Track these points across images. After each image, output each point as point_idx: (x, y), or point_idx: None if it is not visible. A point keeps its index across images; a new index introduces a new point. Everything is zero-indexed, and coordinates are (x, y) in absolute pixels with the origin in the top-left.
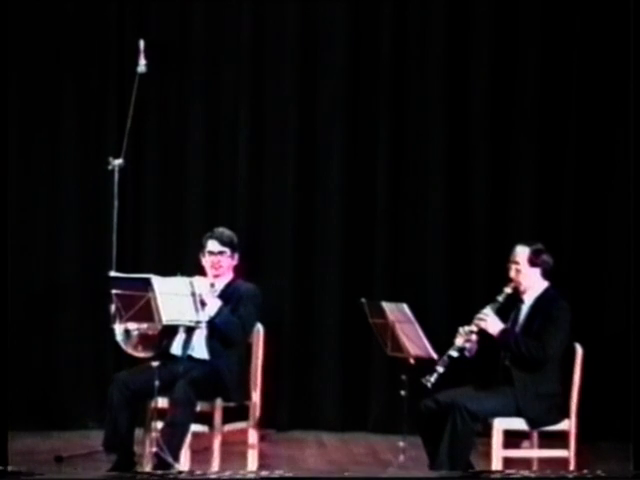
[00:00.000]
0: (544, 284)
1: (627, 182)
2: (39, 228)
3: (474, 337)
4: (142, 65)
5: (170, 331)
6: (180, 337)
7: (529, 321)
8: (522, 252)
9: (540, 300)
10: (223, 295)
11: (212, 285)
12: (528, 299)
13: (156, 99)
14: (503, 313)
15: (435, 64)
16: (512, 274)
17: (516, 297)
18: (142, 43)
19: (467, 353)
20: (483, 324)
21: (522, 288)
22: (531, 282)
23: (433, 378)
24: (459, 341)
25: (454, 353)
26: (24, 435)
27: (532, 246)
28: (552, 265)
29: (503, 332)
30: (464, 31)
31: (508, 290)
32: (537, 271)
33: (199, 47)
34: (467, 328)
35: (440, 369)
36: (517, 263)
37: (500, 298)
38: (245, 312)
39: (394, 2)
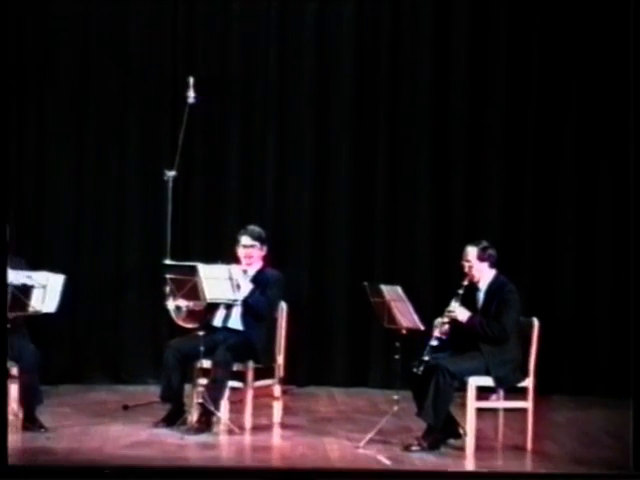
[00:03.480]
0: (492, 272)
1: (570, 189)
2: (109, 225)
3: (447, 327)
4: (191, 97)
5: (212, 307)
6: (220, 312)
7: (486, 304)
8: (472, 251)
9: (492, 286)
10: (254, 280)
11: (245, 272)
12: (482, 286)
13: (202, 124)
14: (464, 300)
15: (423, 94)
16: (466, 270)
17: (472, 286)
18: (191, 79)
19: (444, 337)
20: (453, 315)
21: (475, 279)
22: (482, 273)
23: (422, 366)
24: (436, 332)
25: (434, 342)
26: (98, 389)
27: (479, 245)
28: (496, 257)
29: (470, 319)
30: (446, 64)
31: (465, 283)
32: (485, 264)
33: (236, 82)
34: (440, 320)
35: (426, 358)
36: (469, 261)
37: (460, 291)
38: (272, 294)
39: (390, 37)
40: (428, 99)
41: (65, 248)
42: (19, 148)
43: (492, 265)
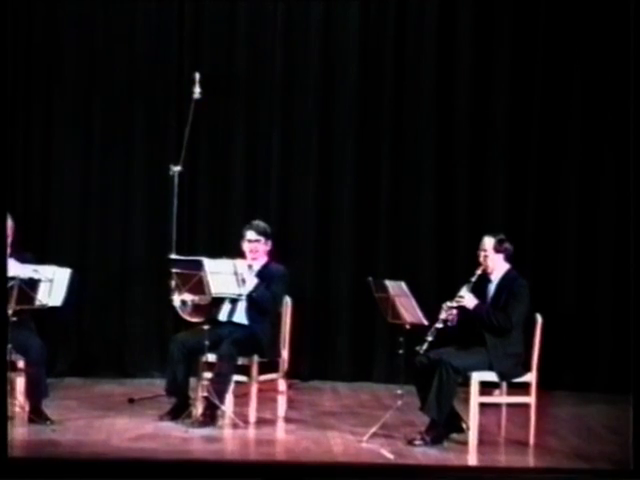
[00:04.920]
0: (506, 266)
1: (573, 187)
2: (115, 220)
3: (454, 312)
4: (197, 93)
5: (218, 302)
6: (226, 307)
7: (497, 296)
8: (489, 241)
9: (504, 279)
10: (259, 274)
11: (250, 266)
12: (494, 278)
13: (207, 120)
14: (475, 290)
15: (427, 91)
16: (481, 259)
17: (485, 277)
18: (197, 75)
19: (449, 324)
20: (462, 301)
21: (489, 270)
22: (496, 265)
23: (425, 346)
24: (443, 315)
25: (440, 325)
26: (103, 382)
27: (496, 236)
28: (512, 251)
29: (478, 307)
30: (450, 64)
31: (478, 272)
32: (501, 256)
33: (241, 78)
34: (449, 304)
35: (429, 338)
36: (485, 250)
37: (473, 279)
38: (276, 288)
39: (395, 36)
40: (432, 96)
41: (72, 242)
42: (26, 144)
43: (507, 259)
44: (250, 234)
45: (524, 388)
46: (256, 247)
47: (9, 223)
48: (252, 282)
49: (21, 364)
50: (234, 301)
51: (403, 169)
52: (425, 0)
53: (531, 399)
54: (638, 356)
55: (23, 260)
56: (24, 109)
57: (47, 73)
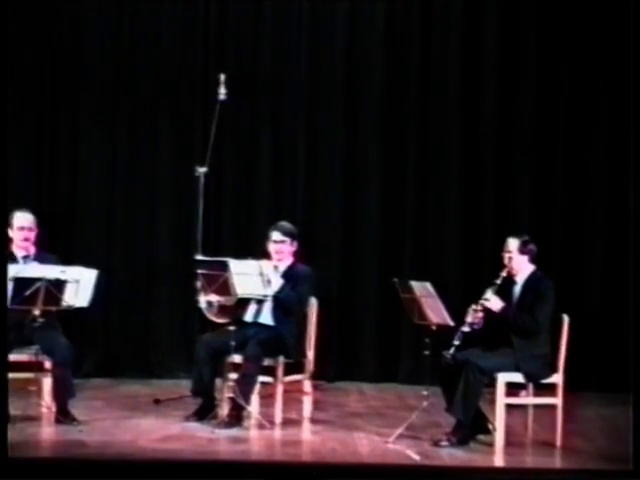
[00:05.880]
0: (531, 267)
1: (600, 187)
2: (141, 221)
3: (480, 315)
4: (222, 94)
5: (243, 303)
6: (251, 307)
7: (522, 298)
8: (513, 243)
9: (529, 281)
10: (285, 275)
11: (275, 267)
12: (520, 280)
13: (233, 121)
14: (501, 292)
15: (453, 92)
16: (506, 261)
17: (510, 279)
18: (222, 77)
19: (476, 326)
20: (487, 304)
21: (514, 272)
22: (521, 267)
23: (452, 350)
24: (469, 319)
25: (466, 328)
26: (129, 382)
27: (521, 238)
28: (537, 252)
29: (504, 309)
30: (476, 64)
31: (503, 274)
32: (525, 258)
33: (267, 79)
34: (474, 307)
35: (456, 342)
36: (509, 252)
37: (498, 281)
38: (302, 289)
39: (420, 36)
40: (458, 96)
41: (98, 244)
42: (53, 145)
43: (532, 260)
44: (276, 235)
45: (551, 389)
46: (281, 248)
47: (31, 218)
48: (278, 283)
49: (48, 365)
50: (260, 302)
51: (429, 169)
52: (452, 1)
53: (558, 400)
54: (638, 356)
55: (45, 261)
56: (51, 110)
57: (74, 74)
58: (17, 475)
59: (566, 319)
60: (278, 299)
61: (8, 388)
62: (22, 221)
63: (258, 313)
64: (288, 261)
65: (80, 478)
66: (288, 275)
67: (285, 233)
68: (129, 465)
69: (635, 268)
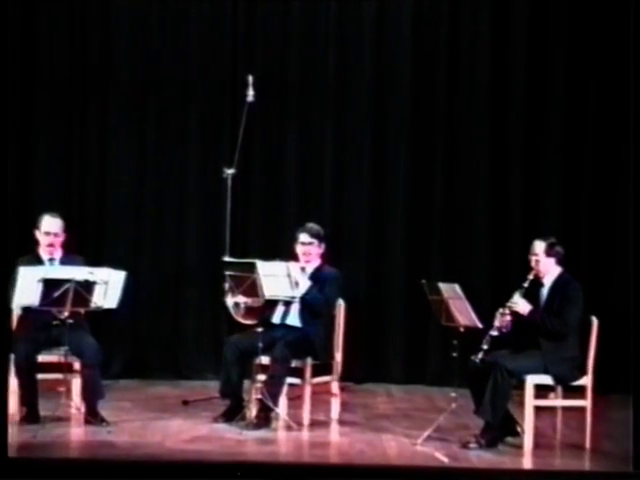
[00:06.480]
0: (558, 270)
1: (626, 186)
2: (169, 222)
3: (508, 318)
4: (250, 95)
5: (271, 305)
6: (279, 309)
7: (550, 300)
8: (539, 245)
9: (557, 283)
10: (312, 277)
11: (303, 269)
12: (547, 282)
13: (261, 122)
14: (528, 295)
15: (481, 92)
16: (532, 264)
17: (537, 281)
18: (250, 78)
19: (504, 330)
20: (515, 307)
21: (541, 274)
22: (548, 269)
23: (481, 354)
24: (497, 323)
25: (495, 333)
26: (158, 384)
27: (547, 240)
28: (564, 254)
29: (532, 312)
30: (504, 63)
31: (530, 277)
32: (552, 260)
33: (294, 80)
34: (502, 311)
35: (485, 346)
36: (536, 254)
37: (525, 284)
38: (329, 291)
39: (448, 36)
40: (486, 97)
41: (126, 245)
42: (82, 147)
43: (559, 262)
44: (303, 237)
45: (580, 391)
46: (309, 250)
47: (59, 223)
48: (305, 285)
49: (77, 366)
50: (287, 304)
51: (456, 171)
52: (480, 1)
53: (587, 402)
54: (638, 356)
55: (72, 262)
56: (80, 111)
57: (103, 75)
58: (17, 475)
59: (595, 321)
60: (305, 301)
61: (8, 389)
62: (49, 226)
63: (285, 315)
64: (315, 263)
65: (109, 479)
66: (315, 277)
67: (313, 235)
68: (157, 466)
69: (635, 271)
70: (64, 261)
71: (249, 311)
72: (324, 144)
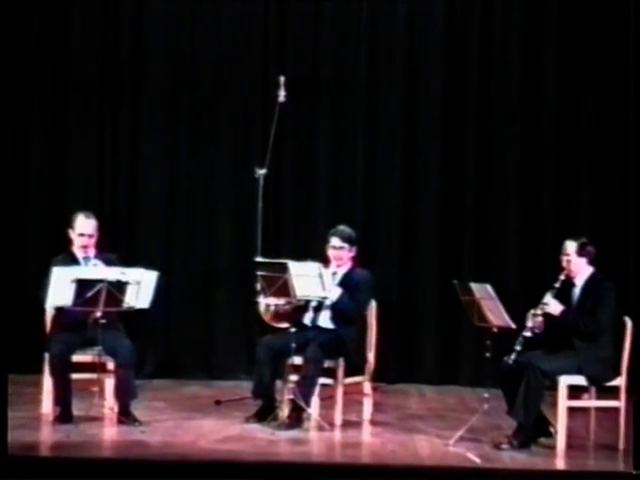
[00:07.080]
0: (590, 269)
1: None
2: (201, 223)
3: (540, 319)
4: (282, 96)
5: (300, 310)
6: (309, 314)
7: (582, 300)
8: (571, 245)
9: (589, 283)
10: (343, 281)
11: (334, 274)
12: (579, 282)
13: (292, 123)
14: (560, 295)
15: (513, 90)
16: (564, 264)
17: (569, 281)
18: (282, 79)
19: (537, 331)
20: (547, 308)
21: (573, 274)
22: (580, 269)
23: (514, 355)
24: (529, 324)
25: (527, 333)
26: (191, 384)
27: (578, 240)
28: (595, 254)
29: (564, 313)
30: (536, 63)
31: (562, 277)
32: (584, 260)
33: (326, 81)
34: (534, 312)
35: (518, 348)
36: (567, 255)
37: (557, 284)
38: (361, 297)
39: (480, 36)
40: (518, 95)
41: (158, 246)
42: (114, 147)
43: (590, 262)
44: (335, 241)
45: (613, 392)
46: (340, 254)
47: (93, 223)
48: (336, 292)
49: (110, 366)
50: (317, 309)
51: (488, 170)
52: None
53: (621, 403)
54: (638, 356)
55: (106, 261)
56: (112, 111)
57: (135, 75)
58: (17, 475)
59: (629, 322)
60: (337, 309)
61: (8, 389)
62: (83, 228)
63: (316, 319)
64: (347, 266)
65: (141, 478)
66: (346, 280)
67: (344, 239)
68: (190, 466)
69: (635, 271)
70: (98, 259)
71: (277, 314)
72: (355, 144)
